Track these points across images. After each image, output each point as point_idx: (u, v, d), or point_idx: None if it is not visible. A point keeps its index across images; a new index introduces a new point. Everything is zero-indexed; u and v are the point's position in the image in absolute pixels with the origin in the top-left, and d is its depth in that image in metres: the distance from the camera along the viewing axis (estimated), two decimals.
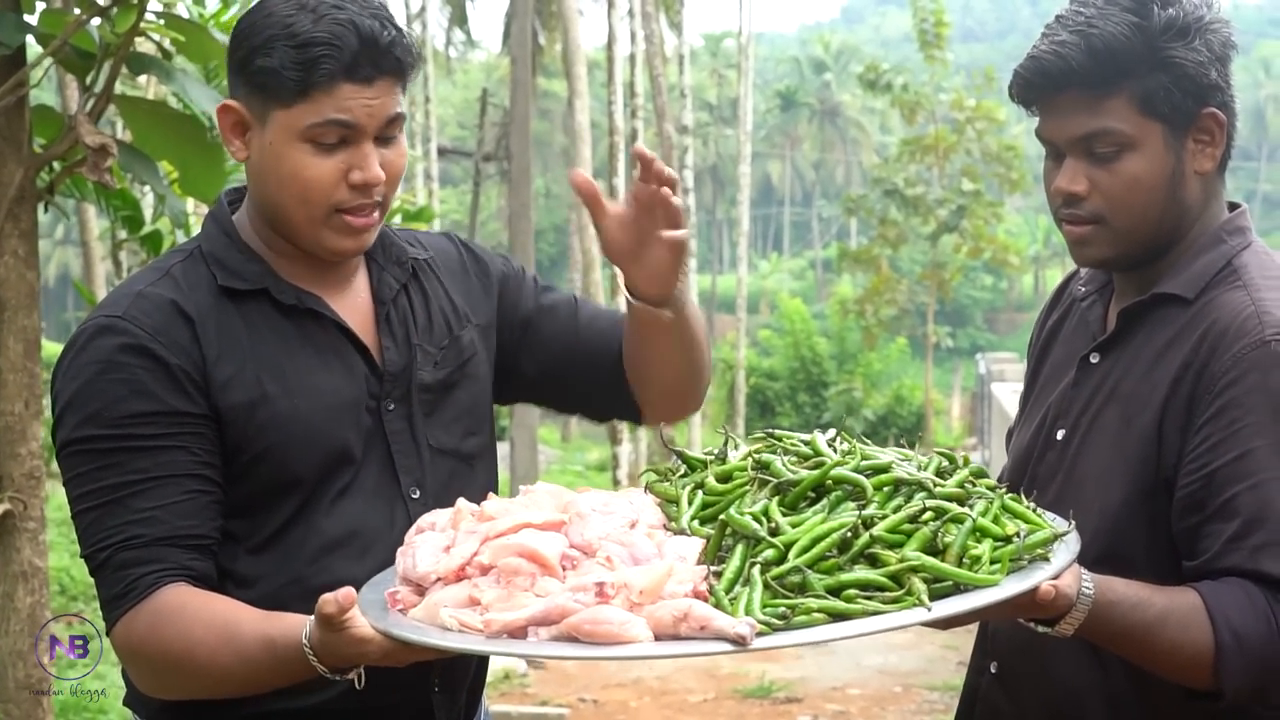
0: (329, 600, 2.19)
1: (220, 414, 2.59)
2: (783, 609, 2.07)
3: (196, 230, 8.99)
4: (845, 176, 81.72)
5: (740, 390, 36.31)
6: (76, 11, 4.62)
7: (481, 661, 2.95)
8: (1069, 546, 2.30)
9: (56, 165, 4.84)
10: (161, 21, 4.89)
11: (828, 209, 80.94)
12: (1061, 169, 2.64)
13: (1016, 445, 2.88)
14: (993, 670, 2.80)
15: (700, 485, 2.43)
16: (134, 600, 2.50)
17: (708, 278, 66.79)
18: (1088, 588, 2.31)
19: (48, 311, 59.82)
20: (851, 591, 2.12)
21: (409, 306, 2.83)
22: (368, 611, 2.26)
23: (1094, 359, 2.73)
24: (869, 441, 2.50)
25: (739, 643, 2.01)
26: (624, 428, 24.01)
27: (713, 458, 2.51)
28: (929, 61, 31.62)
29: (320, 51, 2.54)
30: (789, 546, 2.18)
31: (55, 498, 16.23)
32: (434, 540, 2.36)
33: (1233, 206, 2.73)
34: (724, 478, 2.44)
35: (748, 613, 2.06)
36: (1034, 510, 2.36)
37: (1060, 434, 2.74)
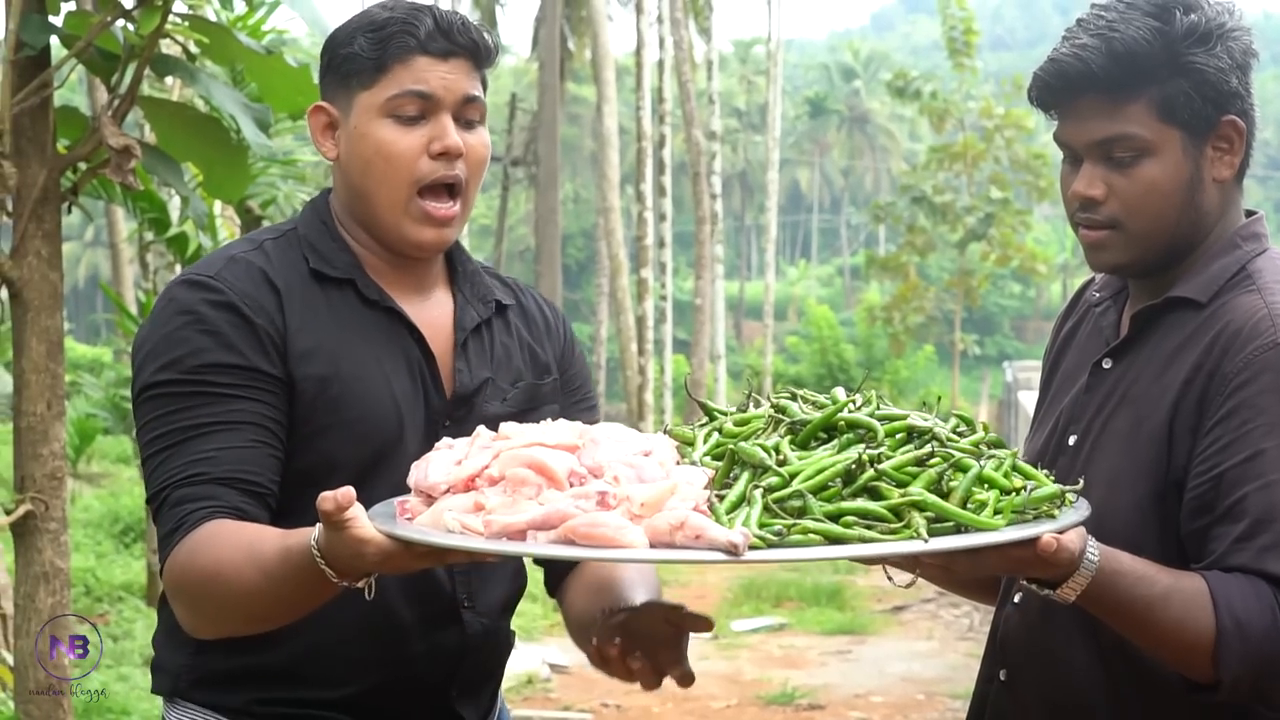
0: (327, 498, 2.16)
1: (295, 381, 2.62)
2: (779, 526, 2.10)
3: (221, 233, 9.04)
4: (874, 183, 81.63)
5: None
6: (101, 13, 4.62)
7: (498, 657, 2.92)
8: (1078, 511, 2.30)
9: (81, 166, 4.85)
10: (186, 24, 4.90)
11: (856, 216, 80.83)
12: (1079, 173, 2.62)
13: (1029, 451, 2.86)
14: (1001, 678, 2.78)
15: (718, 429, 2.45)
16: (183, 534, 2.50)
17: (735, 284, 66.83)
18: (1093, 553, 2.29)
19: (77, 313, 60.05)
20: (850, 519, 2.14)
21: (489, 341, 2.86)
22: (375, 519, 2.25)
23: (1106, 364, 2.71)
24: (890, 404, 2.50)
25: (731, 551, 2.03)
26: (650, 421, 24.03)
27: (734, 411, 2.53)
28: (958, 69, 31.57)
29: (395, 29, 2.68)
30: (794, 476, 2.21)
31: (79, 499, 16.36)
32: (448, 455, 2.37)
33: (1249, 214, 2.71)
34: (742, 424, 2.45)
35: (745, 526, 2.08)
36: (1048, 476, 2.36)
37: (1072, 439, 2.73)
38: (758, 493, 2.16)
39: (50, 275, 4.76)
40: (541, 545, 2.13)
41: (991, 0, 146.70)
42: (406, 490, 2.42)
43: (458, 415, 2.76)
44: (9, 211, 4.73)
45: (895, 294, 34.61)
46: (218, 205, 8.69)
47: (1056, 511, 2.27)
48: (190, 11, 4.98)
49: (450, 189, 2.73)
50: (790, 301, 64.00)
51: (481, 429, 2.43)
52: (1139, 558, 2.40)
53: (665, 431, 2.50)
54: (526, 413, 2.81)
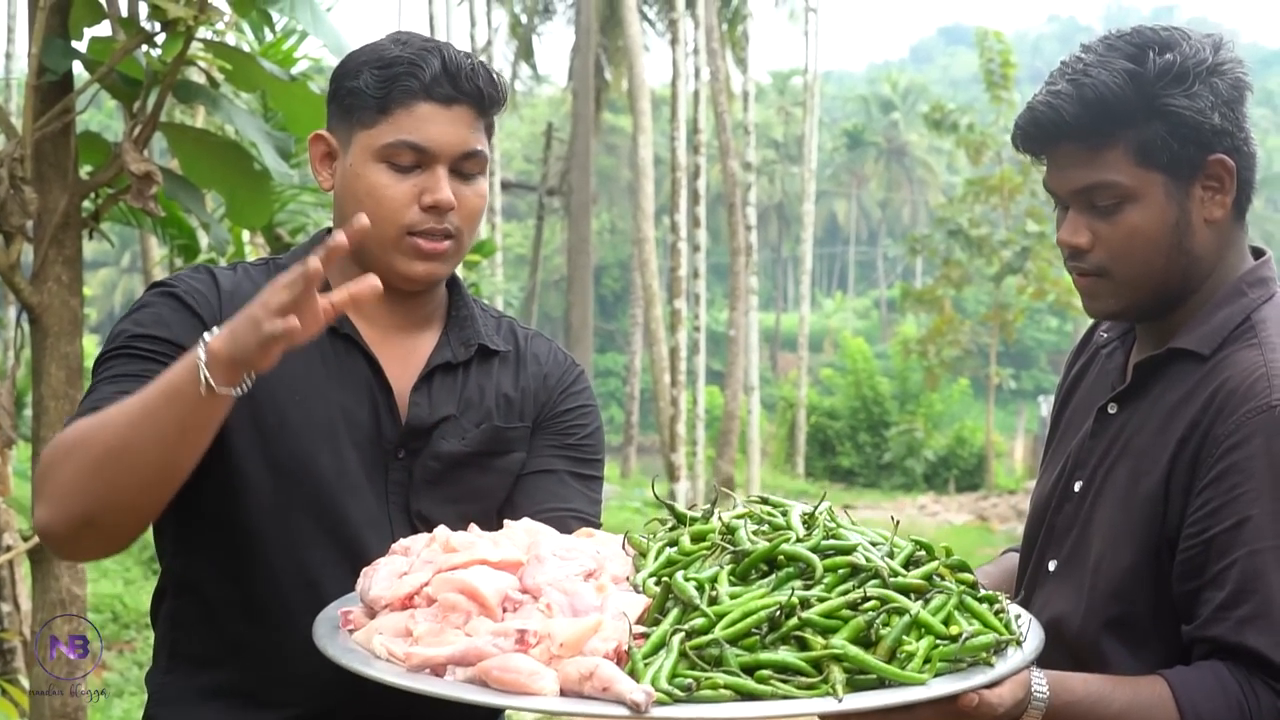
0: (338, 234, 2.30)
1: None
2: (689, 680, 2.07)
3: (248, 258, 9.02)
4: (911, 216, 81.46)
5: (801, 429, 36.23)
6: (124, 38, 4.62)
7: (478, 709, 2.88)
8: (1023, 653, 2.25)
9: (105, 192, 4.84)
10: (210, 50, 4.89)
11: (893, 248, 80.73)
12: (1065, 221, 2.59)
13: (1037, 493, 2.82)
14: None
15: (674, 543, 2.42)
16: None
17: (771, 316, 66.74)
18: (1040, 691, 2.27)
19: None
20: (765, 672, 2.10)
21: (461, 382, 2.83)
22: (319, 626, 2.33)
23: (1111, 409, 2.67)
24: (856, 523, 2.45)
25: (634, 709, 2.02)
26: (682, 465, 23.98)
27: (700, 514, 2.50)
28: (995, 102, 31.49)
29: (402, 70, 2.66)
30: (721, 618, 2.18)
31: None
32: (394, 565, 2.40)
33: (1258, 253, 2.65)
34: (699, 538, 2.42)
35: (654, 681, 2.06)
36: (999, 612, 2.29)
37: (1078, 486, 2.68)
38: (676, 639, 2.14)
39: (70, 301, 4.75)
40: (452, 685, 2.14)
41: (1031, 33, 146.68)
42: (334, 514, 2.57)
43: (412, 447, 2.75)
44: (30, 237, 4.72)
45: (931, 327, 34.49)
46: (246, 233, 8.68)
47: (993, 660, 2.20)
48: (214, 38, 4.95)
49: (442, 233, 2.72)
50: (826, 334, 63.81)
51: (440, 529, 2.44)
52: (1094, 676, 2.39)
53: (626, 537, 2.50)
54: (487, 455, 2.81)
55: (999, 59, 31.28)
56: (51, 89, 4.64)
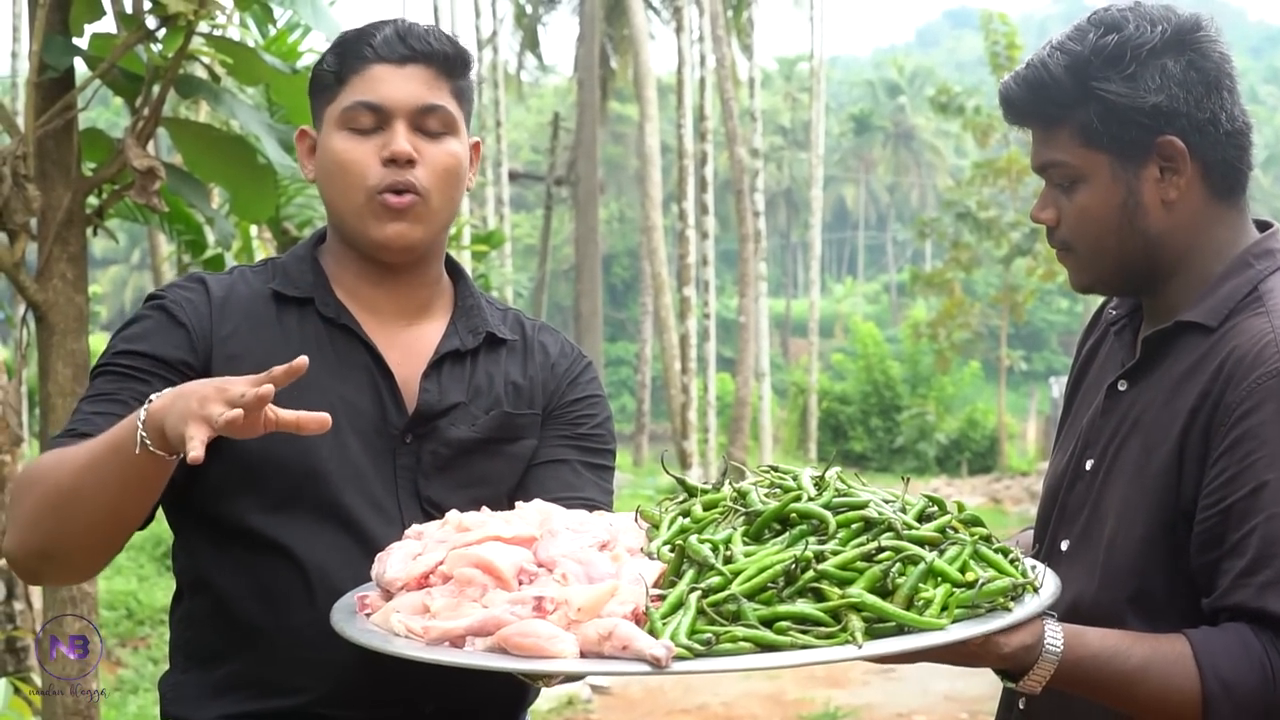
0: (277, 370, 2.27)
1: (211, 375, 2.60)
2: (708, 635, 2.09)
3: (258, 255, 9.04)
4: (920, 200, 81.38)
5: (812, 414, 36.24)
6: (125, 34, 4.61)
7: (494, 682, 2.87)
8: (1040, 599, 2.26)
9: (108, 188, 4.83)
10: (211, 45, 4.88)
11: (902, 232, 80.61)
12: (1039, 197, 2.64)
13: (1051, 472, 2.80)
14: (1020, 707, 2.73)
15: (686, 513, 2.43)
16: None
17: (782, 301, 66.71)
18: (1054, 642, 2.27)
19: None
20: (784, 624, 2.12)
21: (470, 369, 2.83)
22: (336, 613, 2.36)
23: (1121, 386, 2.65)
24: (867, 484, 2.47)
25: (655, 664, 2.03)
26: (694, 452, 23.99)
27: (710, 486, 2.51)
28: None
29: (353, 38, 2.72)
30: (737, 575, 2.19)
31: None
32: (408, 548, 2.40)
33: (1264, 226, 2.63)
34: (710, 506, 2.43)
35: (673, 637, 2.07)
36: (1014, 561, 2.31)
37: (1089, 464, 2.66)
38: (694, 597, 2.15)
39: (75, 298, 4.75)
40: (473, 655, 2.15)
41: (1037, 15, 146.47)
42: (338, 502, 2.59)
43: (420, 432, 2.74)
44: (34, 234, 4.72)
45: (941, 310, 34.49)
46: (254, 227, 8.68)
47: (1011, 605, 2.22)
48: (215, 32, 4.94)
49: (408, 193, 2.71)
50: (836, 319, 63.86)
51: (452, 513, 2.46)
52: (1112, 631, 2.38)
53: (638, 511, 2.51)
54: (497, 442, 2.81)
55: (1004, 41, 31.25)
56: (53, 86, 4.64)
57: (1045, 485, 2.81)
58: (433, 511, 2.66)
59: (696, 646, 2.06)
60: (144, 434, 2.31)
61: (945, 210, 34.54)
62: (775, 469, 2.53)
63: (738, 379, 30.18)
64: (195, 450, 2.18)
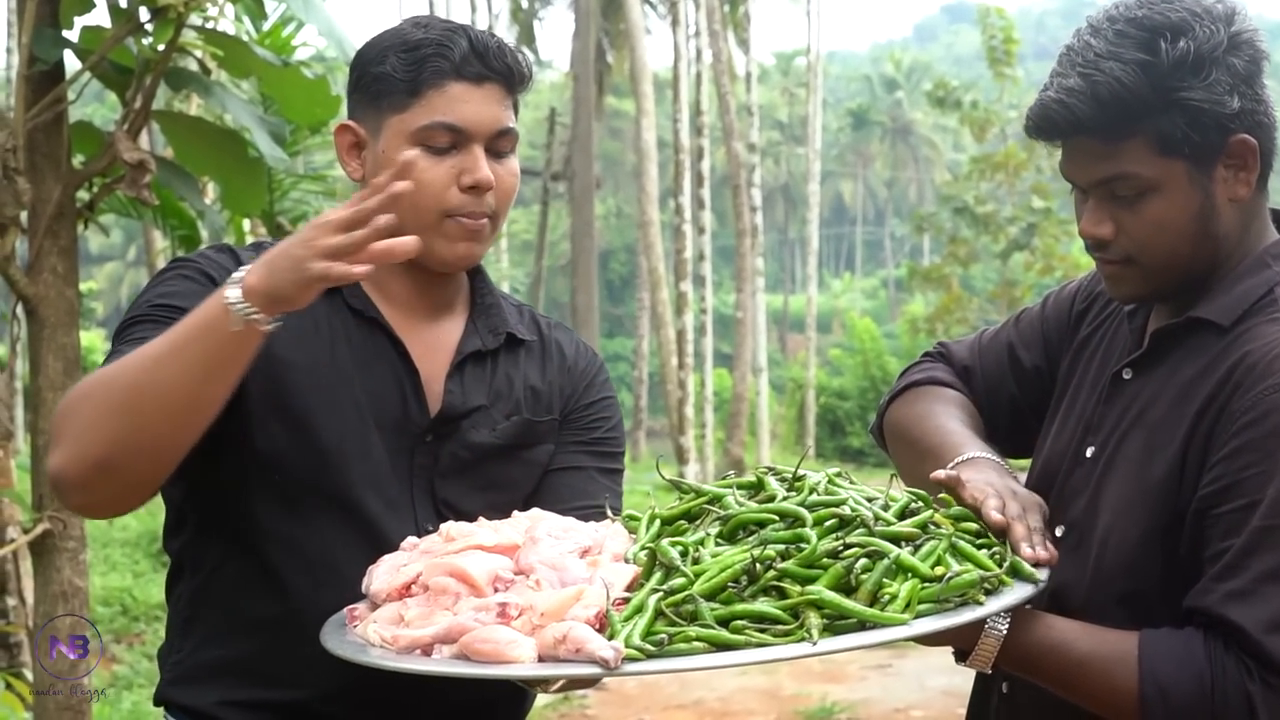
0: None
1: None
2: (661, 635, 2.11)
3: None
4: (918, 195, 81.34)
5: (810, 409, 36.22)
6: (115, 27, 4.59)
7: (493, 686, 2.85)
8: (1016, 592, 2.27)
9: (99, 181, 4.82)
10: (201, 37, 4.87)
11: (900, 227, 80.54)
12: (1086, 211, 2.52)
13: (1049, 453, 2.74)
14: (1004, 690, 2.71)
15: (662, 519, 2.45)
16: None
17: (779, 297, 66.72)
18: (998, 625, 2.31)
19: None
20: (740, 623, 2.13)
21: (491, 371, 2.83)
22: (327, 627, 2.39)
23: (1127, 375, 2.61)
24: (856, 482, 2.48)
25: (604, 665, 2.07)
26: (691, 448, 23.97)
27: (711, 488, 2.50)
28: (999, 79, 31.41)
29: (430, 51, 2.65)
30: (700, 576, 2.21)
31: (116, 518, 16.38)
32: (396, 559, 2.44)
33: (1278, 216, 2.60)
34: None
35: (628, 639, 2.10)
36: (998, 557, 2.32)
37: (1089, 451, 2.63)
38: (653, 599, 2.17)
39: (66, 292, 4.73)
40: (437, 662, 2.19)
41: (1035, 9, 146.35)
42: (356, 497, 2.61)
43: (442, 433, 2.74)
44: (24, 228, 4.70)
45: (939, 305, 34.44)
46: (247, 221, 8.67)
47: (983, 598, 2.23)
48: (206, 25, 4.93)
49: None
50: (835, 314, 63.77)
51: (445, 524, 2.48)
52: (1072, 622, 2.41)
53: (624, 516, 2.53)
54: (517, 448, 2.81)
55: (1002, 35, 31.20)
56: (43, 79, 4.62)
57: (1041, 466, 2.76)
58: (448, 513, 2.66)
59: (648, 647, 2.09)
60: (246, 305, 2.28)
61: (943, 205, 34.46)
62: (774, 469, 2.52)
63: (735, 374, 30.17)
64: (357, 267, 2.25)
